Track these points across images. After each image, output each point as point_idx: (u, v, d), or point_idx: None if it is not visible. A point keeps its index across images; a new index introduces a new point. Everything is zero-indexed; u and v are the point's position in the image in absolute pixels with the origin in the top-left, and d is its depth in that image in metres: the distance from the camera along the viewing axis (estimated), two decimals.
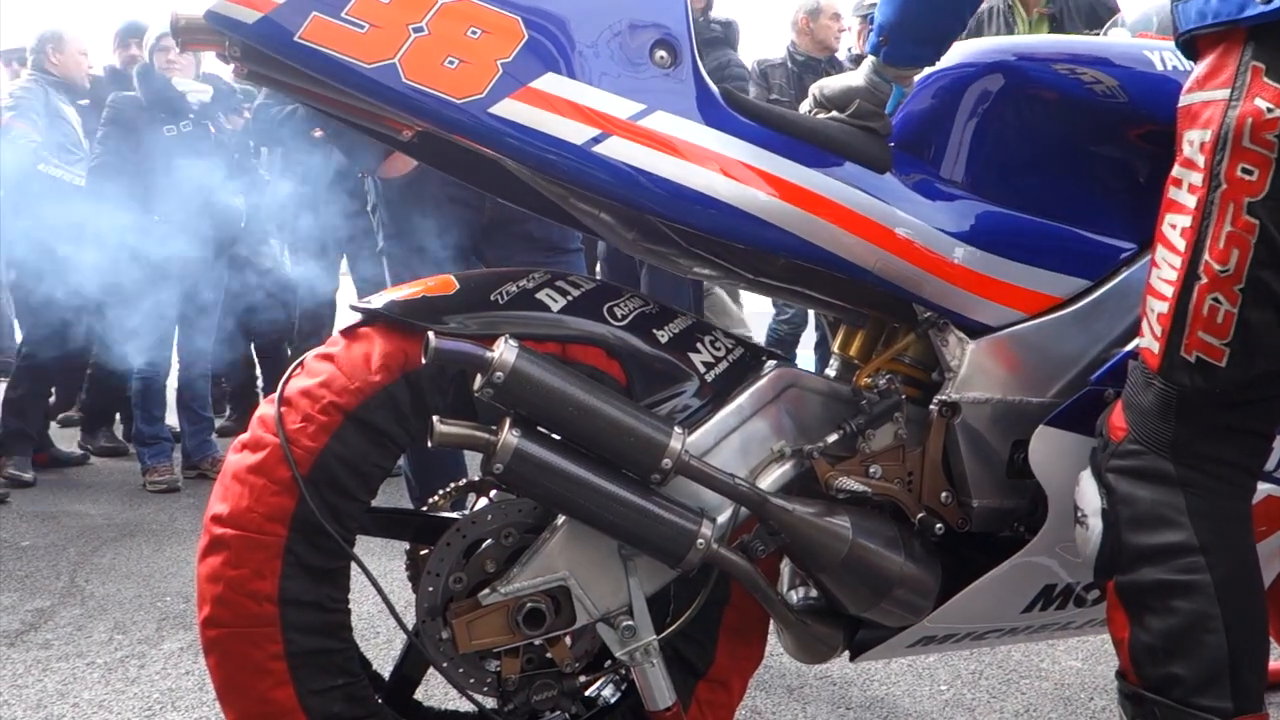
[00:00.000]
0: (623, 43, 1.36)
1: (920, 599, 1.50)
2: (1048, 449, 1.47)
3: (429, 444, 1.29)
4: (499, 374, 1.26)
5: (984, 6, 4.15)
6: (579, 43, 1.33)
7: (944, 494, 1.53)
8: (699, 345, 1.49)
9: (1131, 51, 1.59)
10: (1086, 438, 1.45)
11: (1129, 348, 1.47)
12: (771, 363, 1.52)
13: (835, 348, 1.66)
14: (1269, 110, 1.11)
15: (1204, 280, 1.20)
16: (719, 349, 1.51)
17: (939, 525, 1.50)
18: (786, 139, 1.42)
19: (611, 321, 1.44)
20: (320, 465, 1.33)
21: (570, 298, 1.44)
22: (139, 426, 4.50)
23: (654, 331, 1.46)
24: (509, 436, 1.28)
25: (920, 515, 1.52)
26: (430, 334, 1.26)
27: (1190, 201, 1.21)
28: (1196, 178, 1.20)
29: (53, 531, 3.69)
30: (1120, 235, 1.58)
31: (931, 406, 1.51)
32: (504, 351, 1.27)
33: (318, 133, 4.27)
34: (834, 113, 1.52)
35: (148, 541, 3.64)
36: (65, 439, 5.08)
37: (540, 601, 1.37)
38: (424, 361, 1.26)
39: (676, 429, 1.34)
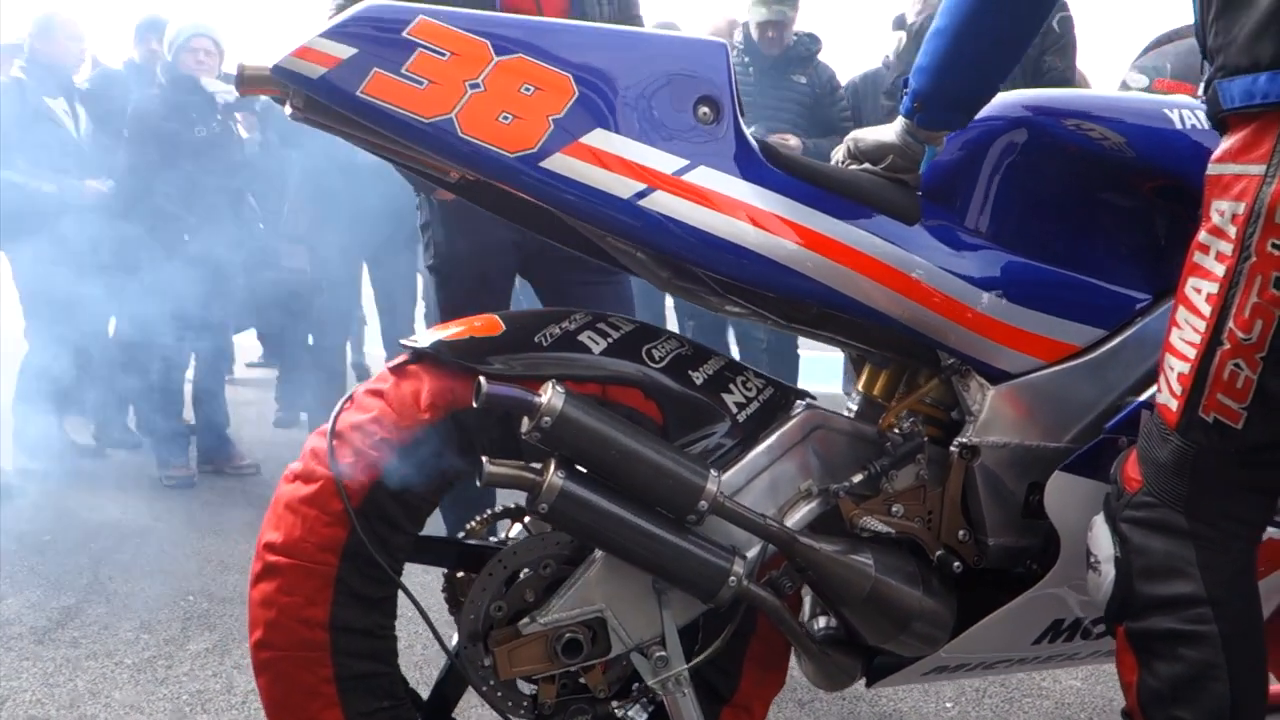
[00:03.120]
0: (668, 99, 1.42)
1: (937, 631, 1.56)
2: (1062, 494, 1.53)
3: (478, 483, 1.35)
4: (547, 419, 1.33)
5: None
6: (627, 99, 1.39)
7: (961, 532, 1.59)
8: (731, 386, 1.55)
9: (1147, 108, 1.64)
10: (1100, 483, 1.51)
11: (1143, 398, 1.53)
12: (801, 404, 1.59)
13: (860, 386, 1.72)
14: None
15: (1227, 346, 1.26)
16: (750, 389, 1.57)
17: (956, 563, 1.57)
18: (820, 192, 1.48)
19: (649, 363, 1.50)
20: (371, 499, 1.40)
21: (610, 340, 1.50)
22: (155, 420, 4.57)
23: (689, 373, 1.53)
24: (554, 478, 1.34)
25: (939, 553, 1.58)
26: (481, 379, 1.32)
27: (1218, 269, 1.26)
28: (1226, 247, 1.26)
29: (72, 526, 3.75)
30: (1135, 286, 1.64)
31: (952, 448, 1.57)
32: (551, 397, 1.34)
33: None
34: (867, 165, 1.59)
35: (167, 537, 3.71)
36: (78, 430, 5.12)
37: (578, 632, 1.43)
38: (475, 405, 1.32)
39: (712, 472, 1.41)
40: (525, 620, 1.43)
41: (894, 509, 1.57)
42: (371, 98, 1.31)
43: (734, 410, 1.53)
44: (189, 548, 3.58)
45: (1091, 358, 1.60)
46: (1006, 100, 1.67)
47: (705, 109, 1.43)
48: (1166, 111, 1.63)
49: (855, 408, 1.72)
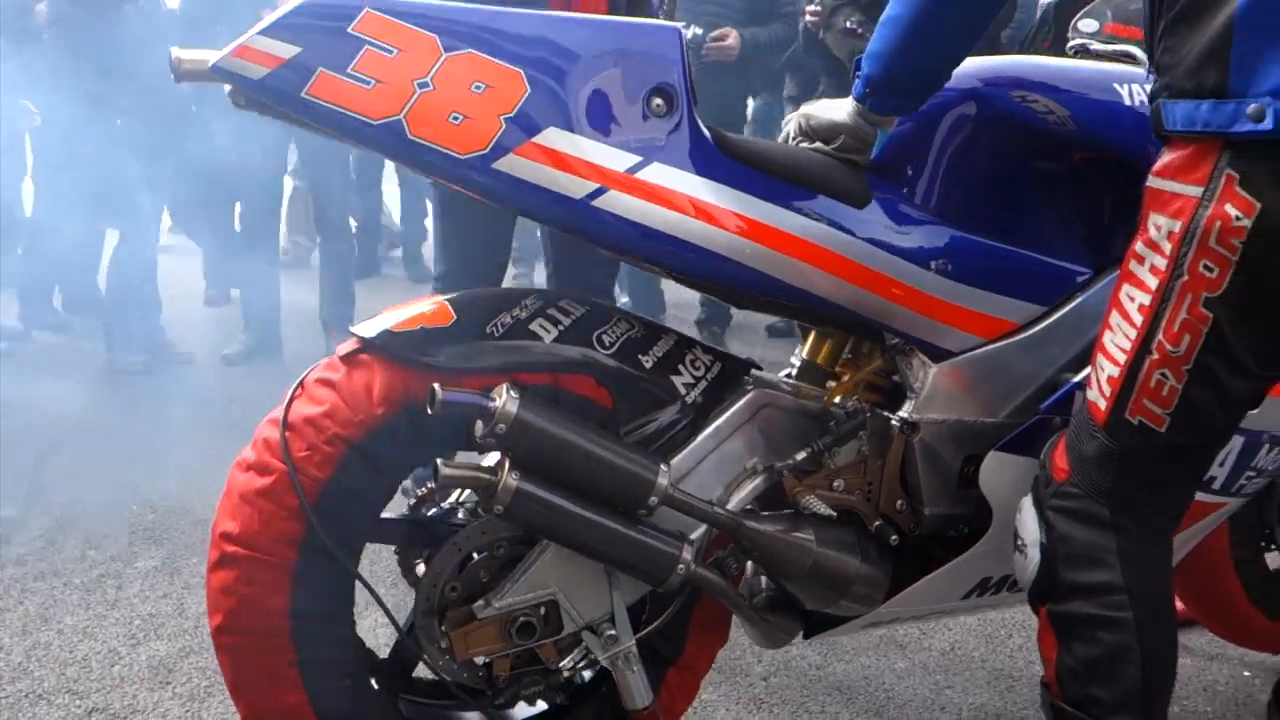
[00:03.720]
0: (621, 91, 1.39)
1: (874, 593, 1.65)
2: (997, 472, 1.60)
3: (433, 484, 1.37)
4: (501, 425, 1.34)
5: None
6: (580, 94, 1.37)
7: (899, 502, 1.66)
8: (680, 367, 1.58)
9: (1095, 80, 1.65)
10: (1032, 460, 1.58)
11: (1076, 379, 1.59)
12: (748, 381, 1.62)
13: (805, 353, 1.76)
14: (1237, 218, 1.20)
15: (1155, 356, 1.31)
16: (698, 368, 1.60)
17: (893, 535, 1.64)
18: (770, 180, 1.48)
19: (600, 349, 1.52)
20: (327, 494, 1.41)
21: (562, 327, 1.51)
22: (105, 305, 4.50)
23: (639, 357, 1.54)
24: (509, 479, 1.37)
25: (877, 523, 1.65)
26: (436, 386, 1.33)
27: (1151, 282, 1.30)
28: (1160, 262, 1.29)
29: (6, 421, 3.70)
30: (1076, 260, 1.68)
31: (893, 422, 1.63)
32: (506, 403, 1.35)
33: None
34: (819, 144, 1.58)
35: (105, 436, 3.69)
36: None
37: (531, 615, 1.49)
38: (430, 413, 1.33)
39: (662, 466, 1.44)
40: (480, 603, 1.47)
41: (835, 483, 1.62)
42: (317, 99, 1.27)
43: (683, 392, 1.56)
44: (128, 447, 3.57)
45: (1030, 334, 1.65)
46: (958, 71, 1.67)
47: (659, 100, 1.41)
48: (1116, 86, 1.63)
49: (797, 372, 1.76)
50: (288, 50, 1.26)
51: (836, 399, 1.64)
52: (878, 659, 2.31)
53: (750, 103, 4.97)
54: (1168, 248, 1.28)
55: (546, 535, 1.44)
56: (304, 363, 1.58)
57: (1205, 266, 1.25)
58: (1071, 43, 2.11)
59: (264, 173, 4.51)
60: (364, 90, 1.28)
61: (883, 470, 1.64)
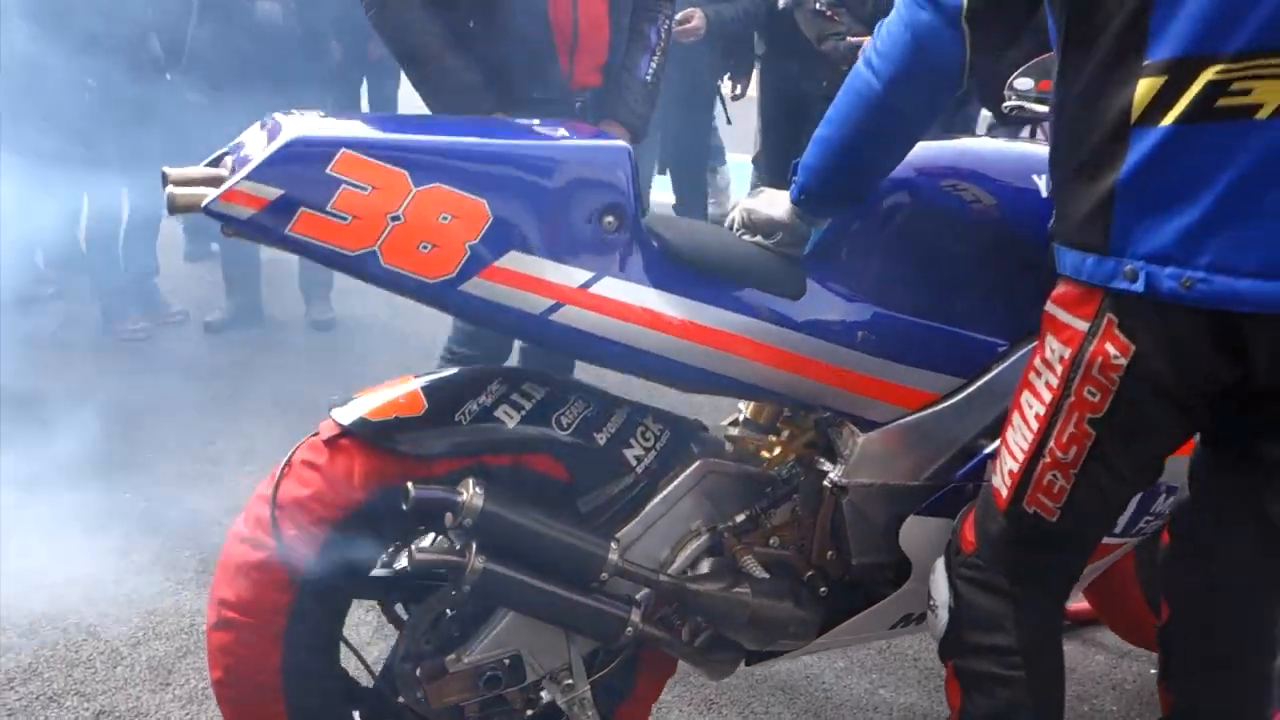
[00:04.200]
0: (576, 213, 1.54)
1: (807, 631, 1.84)
2: (916, 533, 1.79)
3: (408, 565, 1.55)
4: (468, 519, 1.51)
5: None
6: (538, 217, 1.51)
7: (830, 554, 1.85)
8: (632, 440, 1.74)
9: (1019, 168, 1.79)
10: (947, 521, 1.77)
11: (988, 449, 1.76)
12: (695, 450, 1.79)
13: (748, 412, 1.92)
14: (1115, 356, 1.36)
15: (1048, 460, 1.48)
16: (648, 439, 1.76)
17: (823, 588, 1.83)
18: (713, 282, 1.64)
19: (558, 430, 1.68)
20: (314, 569, 1.59)
21: (523, 411, 1.67)
22: (99, 277, 4.60)
23: (594, 434, 1.71)
24: (476, 561, 1.54)
25: (809, 573, 1.84)
26: (409, 485, 1.50)
27: (1046, 396, 1.47)
28: (1054, 380, 1.45)
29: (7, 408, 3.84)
30: (994, 333, 1.84)
31: (825, 484, 1.80)
32: (471, 498, 1.52)
33: None
34: (759, 238, 1.73)
35: (96, 414, 3.82)
36: None
37: (497, 669, 1.68)
38: (405, 508, 1.50)
39: (611, 544, 1.62)
40: (452, 658, 1.66)
41: (772, 540, 1.81)
42: (300, 235, 1.41)
43: (634, 464, 1.73)
44: (121, 427, 3.71)
45: (950, 405, 1.81)
46: None
47: (610, 218, 1.56)
48: (1035, 177, 1.78)
49: (741, 425, 1.92)
50: (272, 193, 1.39)
51: (774, 467, 1.81)
52: (819, 658, 2.52)
53: (724, 83, 5.02)
54: (1059, 370, 1.44)
55: (510, 607, 1.63)
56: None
57: (1089, 392, 1.41)
58: (1007, 102, 2.25)
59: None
60: (342, 225, 1.42)
61: (815, 527, 1.83)
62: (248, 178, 1.39)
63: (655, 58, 2.50)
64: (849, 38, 4.07)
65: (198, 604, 2.69)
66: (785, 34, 4.42)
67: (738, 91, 5.27)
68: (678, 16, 4.37)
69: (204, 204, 1.40)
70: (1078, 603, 2.53)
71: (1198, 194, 1.26)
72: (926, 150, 1.81)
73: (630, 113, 2.44)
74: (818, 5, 4.16)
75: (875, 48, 1.50)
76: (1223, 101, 1.23)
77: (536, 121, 1.75)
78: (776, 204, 1.72)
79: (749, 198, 1.79)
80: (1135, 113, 1.28)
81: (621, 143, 1.60)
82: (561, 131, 1.64)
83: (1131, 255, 1.32)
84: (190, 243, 5.87)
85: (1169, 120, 1.26)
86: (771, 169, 4.95)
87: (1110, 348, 1.37)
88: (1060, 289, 1.45)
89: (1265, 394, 1.37)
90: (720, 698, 2.37)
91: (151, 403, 3.94)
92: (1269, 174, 1.23)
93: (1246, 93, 1.22)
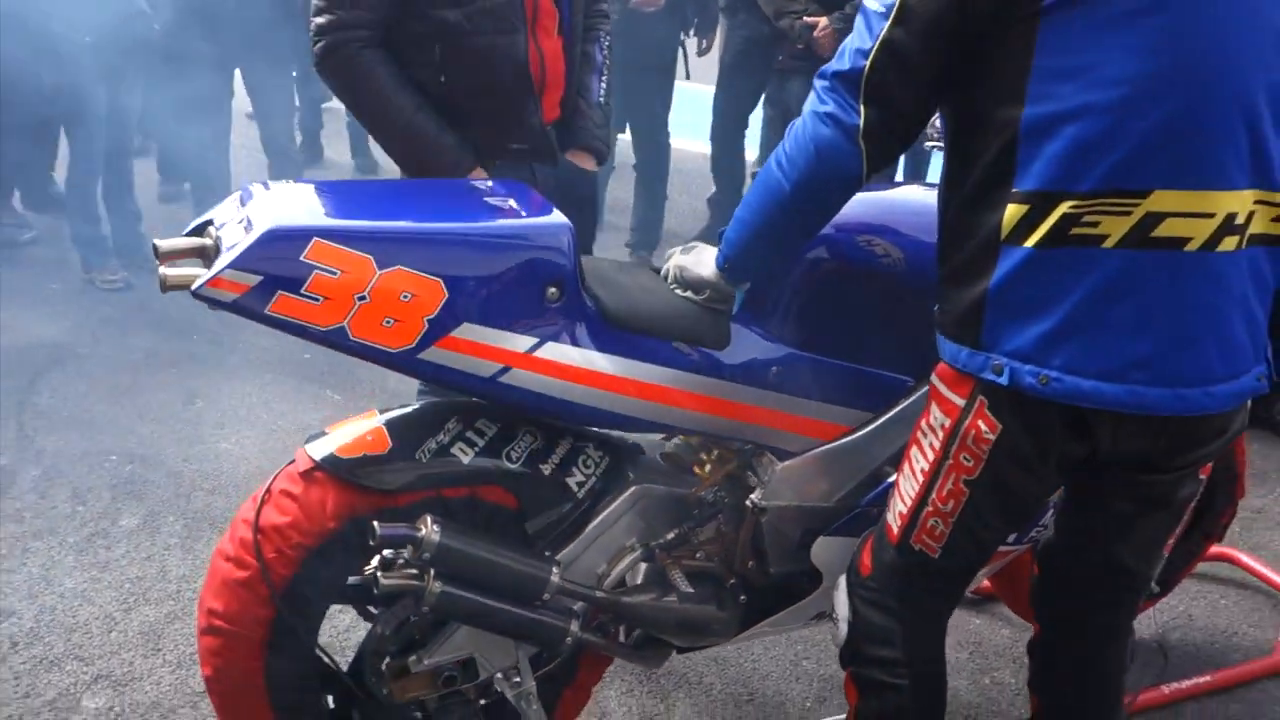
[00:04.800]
0: (523, 287, 1.73)
1: (729, 630, 2.10)
2: (826, 551, 2.03)
3: (375, 591, 1.78)
4: (427, 553, 1.74)
5: None
6: (488, 292, 1.71)
7: (750, 564, 2.09)
8: (574, 468, 1.96)
9: (925, 223, 1.98)
10: (853, 539, 2.01)
11: (890, 480, 2.00)
12: (631, 474, 2.01)
13: (679, 438, 2.15)
14: (985, 432, 1.59)
15: (930, 508, 1.72)
16: (589, 465, 1.98)
17: (743, 595, 2.08)
18: (646, 340, 1.84)
19: (508, 463, 1.90)
20: (292, 587, 1.81)
21: (477, 448, 1.88)
22: (78, 226, 4.72)
23: (540, 465, 1.93)
24: (434, 586, 1.77)
25: (732, 581, 2.08)
26: (375, 524, 1.72)
27: (930, 456, 1.70)
28: (936, 443, 1.68)
29: None
30: (902, 370, 2.06)
31: (747, 504, 2.04)
32: (430, 533, 1.74)
33: None
34: (689, 293, 1.93)
35: (79, 371, 4.02)
36: None
37: (454, 669, 1.92)
38: (371, 544, 1.72)
39: (553, 568, 1.85)
40: (414, 659, 1.90)
41: (699, 554, 2.05)
42: (277, 314, 1.60)
43: (576, 490, 1.95)
44: (104, 385, 3.91)
45: (859, 436, 2.04)
46: None
47: (552, 289, 1.76)
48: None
49: (673, 447, 2.15)
50: (252, 279, 1.58)
51: (702, 490, 2.04)
52: None
53: (689, 40, 5.11)
54: (941, 436, 1.67)
55: (465, 622, 1.86)
56: None
57: (964, 458, 1.65)
58: (928, 143, 2.43)
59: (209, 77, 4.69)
60: (314, 306, 1.61)
61: (737, 542, 2.07)
62: (230, 266, 1.57)
63: (604, 76, 2.58)
64: (805, 18, 4.21)
65: (183, 570, 2.92)
66: None
67: (704, 46, 5.37)
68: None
69: (193, 287, 1.58)
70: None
71: (1053, 307, 1.47)
72: (847, 205, 2.00)
73: (592, 137, 2.52)
74: None
75: (785, 151, 1.67)
76: (1075, 231, 1.44)
77: (489, 184, 1.93)
78: (704, 264, 1.92)
79: (682, 254, 1.98)
80: (1004, 232, 1.49)
81: (562, 219, 1.79)
82: (511, 203, 1.82)
83: (998, 352, 1.53)
84: (164, 183, 5.98)
85: (1031, 242, 1.47)
86: (724, 126, 5.12)
87: (981, 424, 1.60)
88: (942, 367, 1.67)
89: (1109, 464, 1.61)
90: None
91: (133, 360, 4.13)
92: (1111, 295, 1.44)
93: (1095, 224, 1.43)
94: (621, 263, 2.14)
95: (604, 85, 2.59)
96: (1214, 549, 2.83)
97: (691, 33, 5.13)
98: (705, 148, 5.48)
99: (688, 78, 5.16)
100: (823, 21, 4.18)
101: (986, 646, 2.80)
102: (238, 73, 5.06)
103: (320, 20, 2.25)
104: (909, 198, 2.12)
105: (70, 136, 4.82)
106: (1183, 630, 2.87)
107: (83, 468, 3.38)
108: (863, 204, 2.02)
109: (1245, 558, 3.07)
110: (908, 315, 2.04)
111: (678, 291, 1.95)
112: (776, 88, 4.72)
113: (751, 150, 5.44)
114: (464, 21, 2.24)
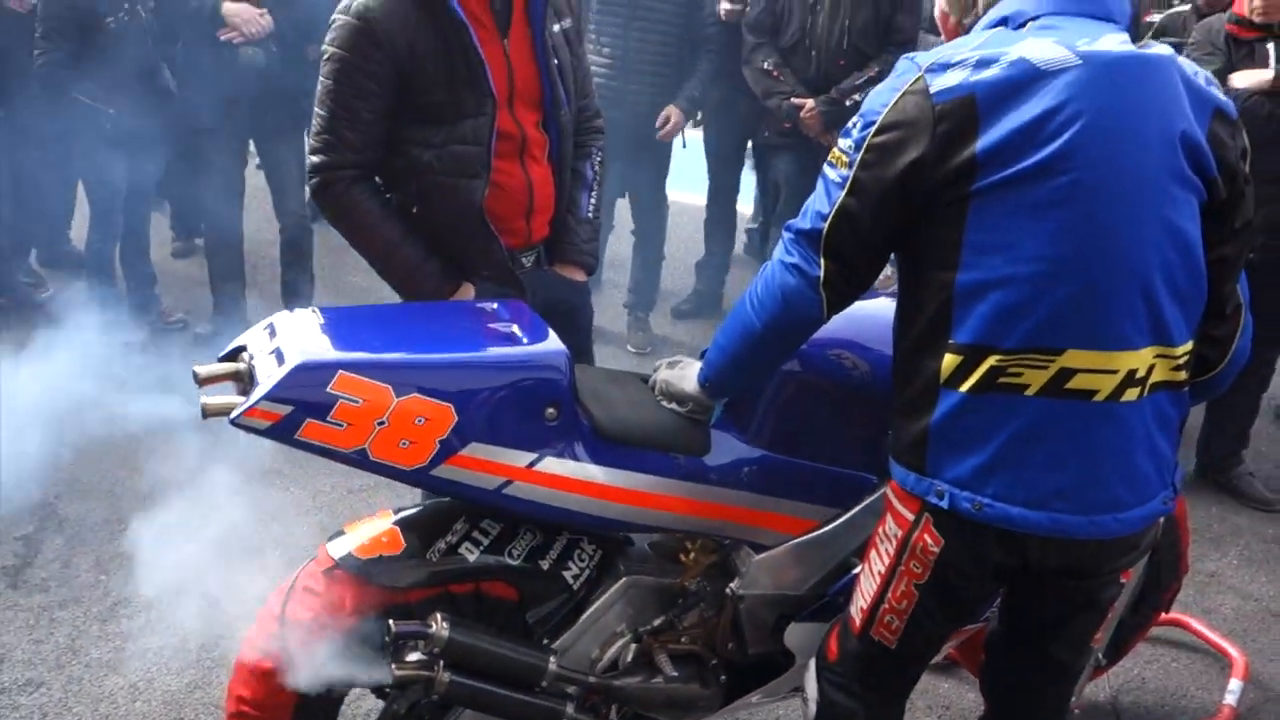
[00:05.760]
0: (524, 408, 1.94)
1: (712, 706, 2.30)
2: (798, 635, 2.23)
3: (389, 682, 1.98)
4: (437, 647, 1.94)
5: None
6: (494, 414, 1.92)
7: (730, 645, 2.29)
8: (570, 562, 2.16)
9: (889, 336, 2.20)
10: (823, 624, 2.21)
11: (854, 571, 2.20)
12: (623, 570, 2.21)
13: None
14: (931, 545, 1.80)
15: (887, 605, 1.92)
16: (584, 559, 2.19)
17: (723, 675, 2.28)
18: (634, 452, 2.05)
19: (510, 559, 2.10)
20: (314, 675, 2.01)
21: (482, 546, 2.08)
22: (96, 286, 4.96)
23: (539, 561, 2.13)
24: (443, 676, 1.97)
25: (713, 661, 2.29)
26: (390, 623, 1.92)
27: (886, 561, 1.90)
28: (890, 550, 1.88)
29: (7, 417, 4.20)
30: (867, 469, 2.27)
31: (727, 592, 2.24)
32: (440, 629, 1.94)
33: (225, 35, 4.52)
34: (674, 405, 2.14)
35: (99, 436, 4.19)
36: None
37: None
38: (386, 640, 1.92)
39: (551, 657, 2.05)
40: None
41: (683, 638, 2.25)
42: (306, 439, 1.81)
43: (571, 582, 2.15)
44: (123, 450, 4.06)
45: (828, 531, 2.25)
46: None
47: (551, 409, 1.97)
48: None
49: (659, 542, 2.35)
50: (284, 409, 1.79)
51: (686, 580, 2.25)
52: None
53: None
54: (894, 544, 1.88)
55: (470, 707, 2.06)
56: None
57: (914, 565, 1.85)
58: (883, 291, 2.64)
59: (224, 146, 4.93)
60: (338, 431, 1.82)
61: (718, 627, 2.27)
62: (265, 397, 1.78)
63: (594, 192, 2.74)
64: (792, 99, 4.44)
65: (202, 639, 3.10)
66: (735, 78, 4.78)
67: (699, 118, 5.59)
68: (659, 120, 4.71)
69: (230, 416, 1.79)
70: None
71: (985, 443, 1.69)
72: None
73: (580, 253, 2.69)
74: (765, 65, 4.52)
75: (756, 293, 1.88)
76: (1001, 380, 1.65)
77: (494, 306, 2.15)
78: (688, 379, 2.13)
79: (668, 368, 2.19)
80: (943, 376, 1.70)
81: (559, 346, 2.00)
82: (514, 329, 2.04)
83: (940, 479, 1.74)
84: (178, 239, 6.20)
85: (965, 388, 1.68)
86: (716, 188, 5.36)
87: (928, 538, 1.81)
88: (895, 485, 1.88)
89: (1040, 575, 1.81)
90: None
91: (150, 424, 4.32)
92: (1032, 437, 1.66)
93: (1019, 375, 1.65)
94: (612, 372, 2.35)
95: (593, 201, 2.75)
96: (1168, 615, 3.03)
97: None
98: (703, 199, 5.72)
99: (684, 147, 5.37)
100: (809, 103, 4.42)
101: (955, 710, 2.99)
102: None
103: (315, 159, 2.46)
104: (874, 311, 2.32)
105: (90, 199, 5.05)
106: (1135, 693, 3.07)
107: (104, 535, 3.57)
108: (832, 320, 2.24)
109: (1195, 623, 3.27)
110: (872, 420, 2.25)
111: (663, 403, 2.16)
112: (764, 162, 4.96)
113: (745, 203, 5.64)
114: (434, 161, 2.42)
